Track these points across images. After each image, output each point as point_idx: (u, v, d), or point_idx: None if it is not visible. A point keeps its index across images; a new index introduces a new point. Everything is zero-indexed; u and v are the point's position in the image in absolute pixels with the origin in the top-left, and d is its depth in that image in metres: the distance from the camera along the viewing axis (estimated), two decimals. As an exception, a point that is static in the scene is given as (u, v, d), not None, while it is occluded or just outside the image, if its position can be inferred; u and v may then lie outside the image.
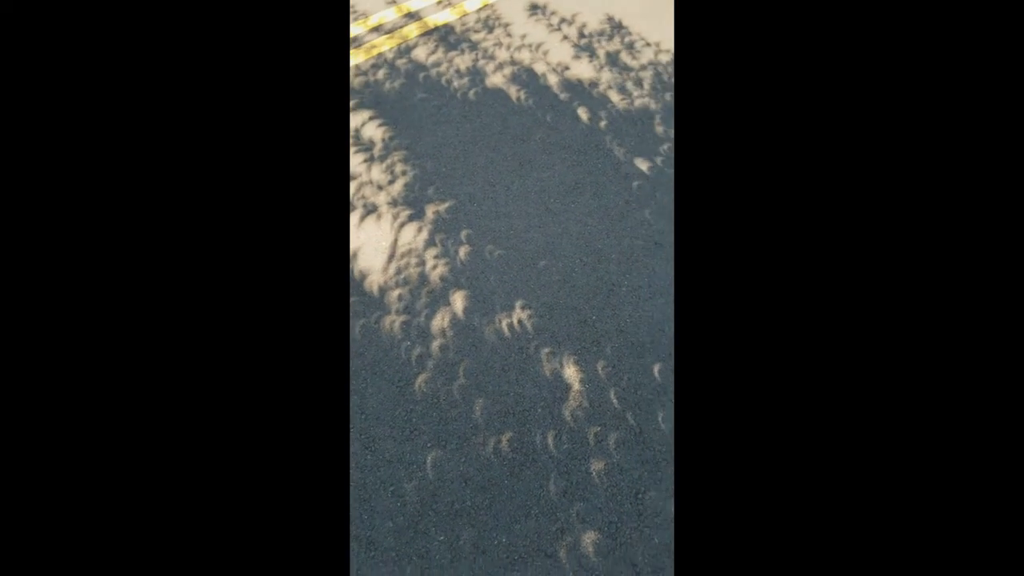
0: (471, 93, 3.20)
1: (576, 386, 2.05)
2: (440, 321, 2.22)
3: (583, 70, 3.36)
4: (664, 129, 3.00)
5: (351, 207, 2.59)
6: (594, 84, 3.27)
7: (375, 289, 2.31)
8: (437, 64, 3.39)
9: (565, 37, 3.61)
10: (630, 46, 3.55)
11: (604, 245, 2.48)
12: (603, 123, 3.03)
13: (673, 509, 1.77)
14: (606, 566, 1.66)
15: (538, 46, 3.53)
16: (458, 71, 3.34)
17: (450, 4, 3.85)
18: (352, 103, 3.11)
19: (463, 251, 2.45)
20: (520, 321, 2.22)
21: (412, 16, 3.75)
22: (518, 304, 2.27)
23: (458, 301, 2.28)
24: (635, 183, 2.73)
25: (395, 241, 2.48)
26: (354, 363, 2.10)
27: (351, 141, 2.89)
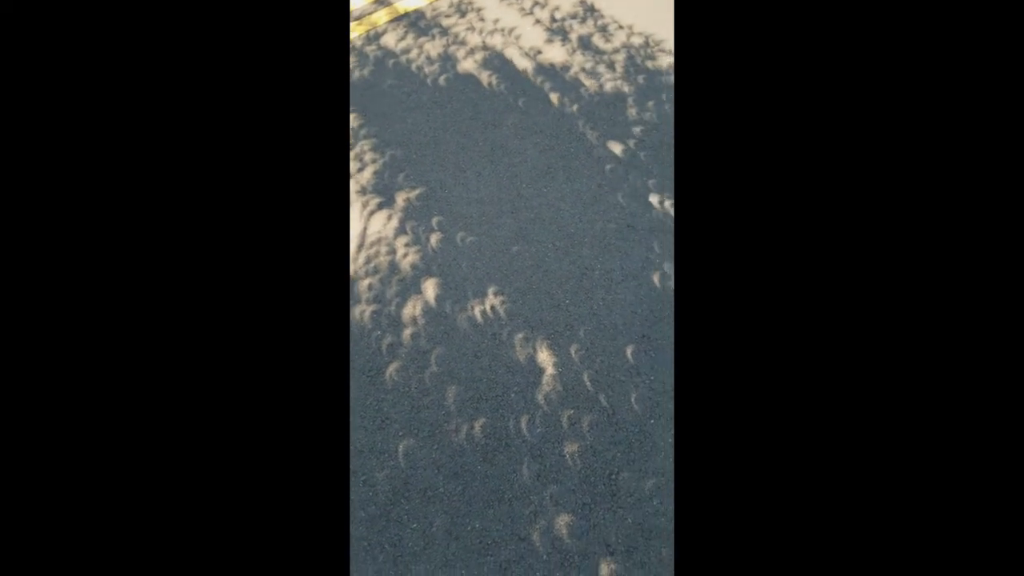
0: (442, 79, 3.15)
1: (550, 370, 2.04)
2: (411, 309, 2.19)
3: (555, 54, 3.32)
4: (637, 111, 2.98)
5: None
6: (566, 68, 3.24)
7: (345, 279, 2.28)
8: (407, 51, 3.33)
9: (538, 21, 3.57)
10: (603, 29, 3.52)
11: (577, 229, 2.46)
12: (576, 107, 3.01)
13: (648, 488, 1.77)
14: (580, 547, 1.66)
15: (510, 30, 3.48)
16: (428, 57, 3.29)
17: (420, -11, 3.79)
18: (320, 91, 3.04)
19: (434, 238, 2.42)
20: (493, 307, 2.20)
21: (381, 2, 3.68)
22: (491, 290, 2.25)
23: (429, 289, 2.25)
24: (608, 166, 2.71)
25: (364, 230, 2.44)
26: (324, 354, 2.06)
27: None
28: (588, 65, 3.26)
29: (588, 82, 3.15)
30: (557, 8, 3.68)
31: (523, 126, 2.90)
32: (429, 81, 3.14)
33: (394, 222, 2.47)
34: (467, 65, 3.24)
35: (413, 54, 3.31)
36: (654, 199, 2.57)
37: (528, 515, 1.72)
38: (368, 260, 2.34)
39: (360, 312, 2.18)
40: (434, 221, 2.48)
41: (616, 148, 2.80)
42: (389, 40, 3.40)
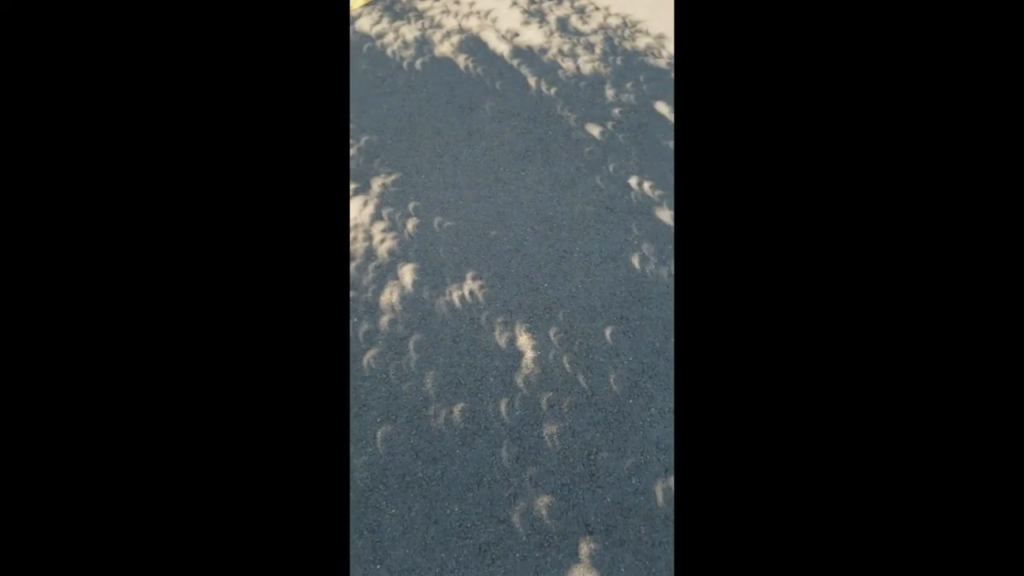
0: (417, 63, 3.10)
1: (529, 353, 2.03)
2: (388, 296, 2.16)
3: (533, 36, 3.28)
4: (615, 93, 2.96)
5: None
6: (544, 50, 3.20)
7: (320, 267, 2.24)
8: (382, 35, 3.27)
9: (515, 3, 3.51)
10: (580, 11, 3.48)
11: (555, 212, 2.44)
12: (553, 89, 2.97)
13: (627, 467, 1.78)
14: (559, 527, 1.67)
15: (487, 13, 3.43)
16: (404, 41, 3.23)
17: (394, -28, 3.70)
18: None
19: (411, 224, 2.38)
20: (471, 292, 2.18)
21: (355, -15, 3.60)
22: (469, 275, 2.23)
23: (407, 275, 2.23)
24: (586, 149, 2.69)
25: (340, 217, 2.40)
26: (300, 342, 2.03)
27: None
28: (566, 47, 3.22)
29: (566, 64, 3.12)
30: (534, -10, 3.62)
31: (500, 109, 2.86)
32: (405, 65, 3.08)
33: (370, 208, 2.44)
34: (443, 49, 3.19)
35: (388, 38, 3.25)
36: (632, 181, 2.56)
37: (507, 497, 1.72)
38: (343, 247, 2.30)
39: (336, 300, 2.15)
40: (410, 206, 2.44)
41: (594, 130, 2.78)
42: (364, 24, 3.34)
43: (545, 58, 3.15)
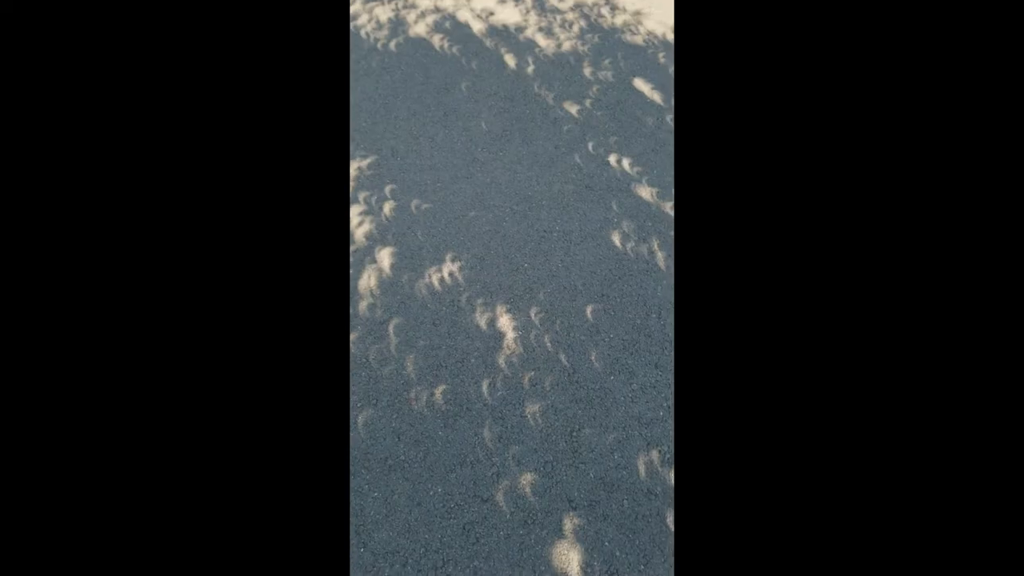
0: (392, 44, 3.03)
1: (510, 334, 2.01)
2: (367, 280, 2.13)
3: (509, 15, 3.22)
4: (593, 71, 2.92)
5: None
6: (520, 29, 3.15)
7: (296, 253, 2.20)
8: (355, 16, 3.19)
9: (489, -18, 3.45)
10: (557, -12, 3.42)
11: (534, 192, 2.42)
12: (531, 68, 2.93)
13: (609, 443, 1.78)
14: (543, 504, 1.67)
15: (461, -8, 3.36)
16: (378, 22, 3.15)
17: (366, -49, 3.61)
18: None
19: (388, 207, 2.35)
20: (451, 274, 2.16)
21: (325, -34, 3.51)
22: (448, 257, 2.20)
23: (385, 258, 2.19)
24: (565, 127, 2.66)
25: (315, 202, 2.36)
26: (277, 330, 2.00)
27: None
28: (542, 25, 3.17)
29: (543, 42, 3.07)
30: (510, -32, 3.56)
31: (477, 89, 2.81)
32: (379, 47, 3.02)
33: (345, 193, 2.39)
34: (418, 29, 3.12)
35: (362, 20, 3.17)
36: (612, 159, 2.54)
37: (491, 476, 1.71)
38: (319, 232, 2.26)
39: (313, 285, 2.11)
40: (387, 189, 2.40)
41: (572, 109, 2.75)
42: (335, 5, 3.25)
43: (521, 37, 3.10)
